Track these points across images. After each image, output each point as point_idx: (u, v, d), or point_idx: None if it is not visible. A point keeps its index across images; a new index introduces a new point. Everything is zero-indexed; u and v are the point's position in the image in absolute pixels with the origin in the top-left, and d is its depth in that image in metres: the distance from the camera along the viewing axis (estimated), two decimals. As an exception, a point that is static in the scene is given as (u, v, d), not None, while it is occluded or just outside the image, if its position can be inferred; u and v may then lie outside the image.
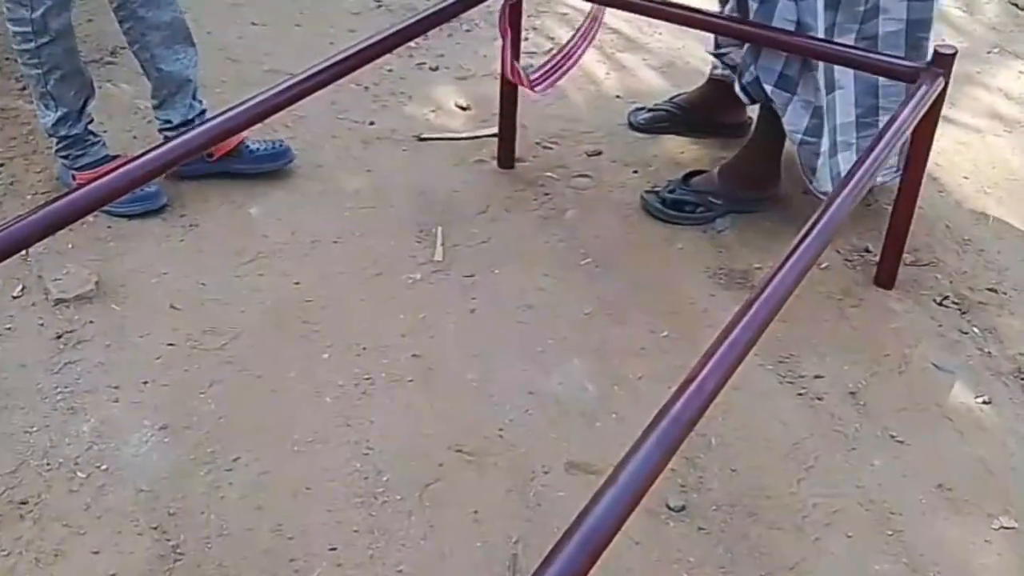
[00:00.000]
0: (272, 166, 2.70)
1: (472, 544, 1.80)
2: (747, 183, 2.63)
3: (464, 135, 2.96)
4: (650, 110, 3.01)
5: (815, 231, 1.69)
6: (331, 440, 1.98)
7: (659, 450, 1.29)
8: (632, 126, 3.00)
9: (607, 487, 1.23)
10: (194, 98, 2.61)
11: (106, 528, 1.79)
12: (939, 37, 2.50)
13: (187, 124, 2.56)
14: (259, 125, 2.10)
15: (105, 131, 2.86)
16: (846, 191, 1.80)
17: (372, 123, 2.99)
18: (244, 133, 2.50)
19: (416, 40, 3.44)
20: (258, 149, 2.69)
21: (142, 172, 1.75)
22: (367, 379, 2.12)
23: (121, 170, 1.71)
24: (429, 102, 3.12)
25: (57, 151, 2.55)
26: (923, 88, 2.10)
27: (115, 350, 2.16)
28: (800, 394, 2.12)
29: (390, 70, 3.25)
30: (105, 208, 2.25)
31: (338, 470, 1.92)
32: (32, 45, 2.37)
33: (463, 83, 3.24)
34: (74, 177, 2.53)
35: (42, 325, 2.21)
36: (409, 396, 2.09)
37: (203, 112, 2.62)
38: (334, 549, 1.77)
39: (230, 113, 1.89)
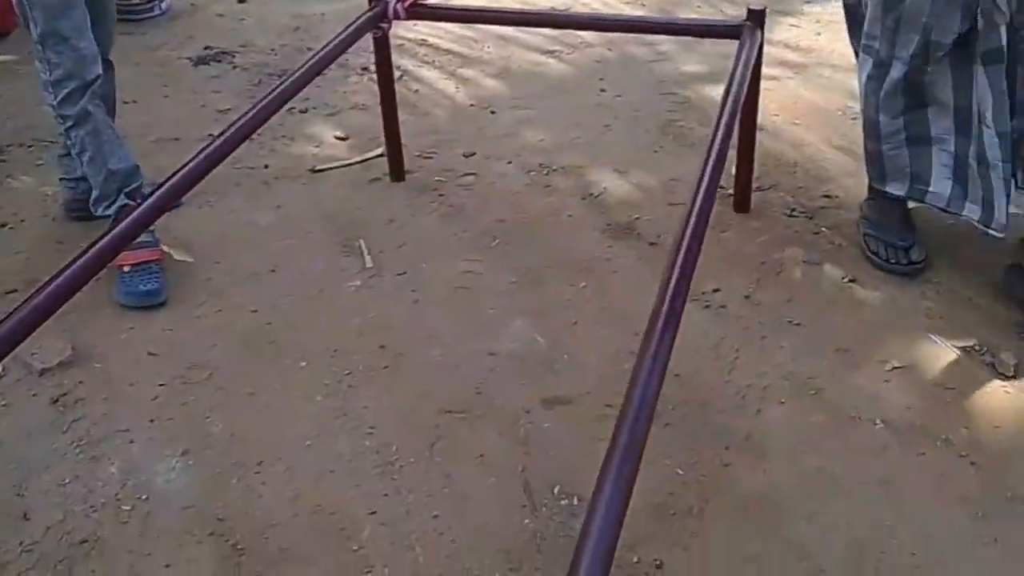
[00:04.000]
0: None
1: (487, 481, 1.98)
2: None
3: (353, 160, 3.12)
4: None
5: (702, 190, 1.81)
6: (335, 430, 2.12)
7: (650, 389, 1.40)
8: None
9: (623, 419, 1.30)
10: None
11: (167, 544, 1.88)
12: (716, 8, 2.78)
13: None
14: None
15: (23, 221, 2.89)
16: (720, 137, 2.02)
17: (267, 166, 3.11)
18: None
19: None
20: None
21: (97, 259, 1.76)
22: (348, 374, 2.27)
23: (79, 262, 1.71)
24: (311, 139, 3.27)
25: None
26: (747, 41, 2.41)
27: (112, 401, 2.23)
28: (706, 306, 2.40)
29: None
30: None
31: (351, 452, 2.06)
32: (62, 128, 2.54)
33: (334, 118, 3.40)
34: None
35: (35, 395, 2.25)
36: (389, 380, 2.25)
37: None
38: (373, 513, 1.92)
39: (168, 184, 1.96)
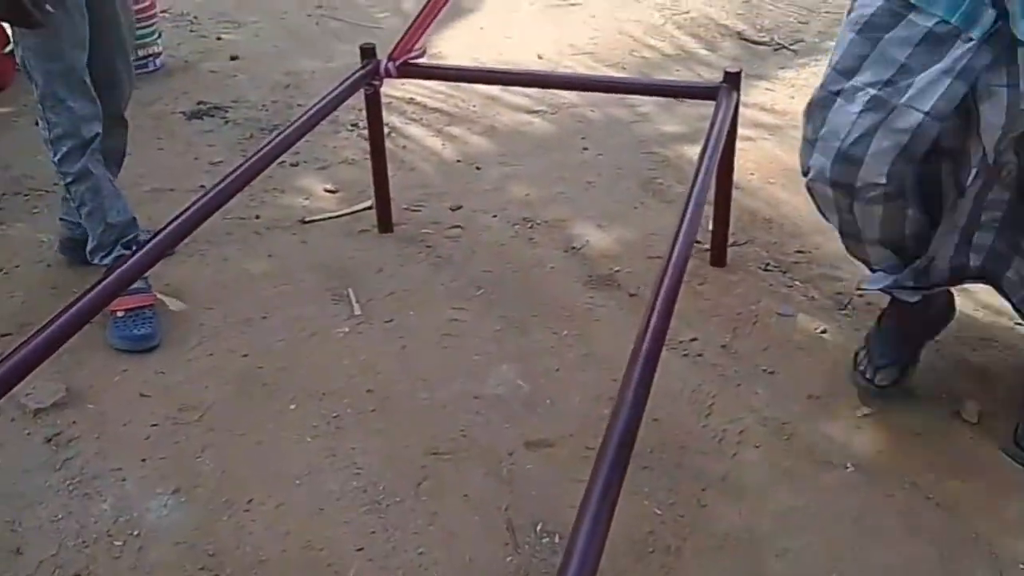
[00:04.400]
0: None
1: (471, 519, 2.03)
2: None
3: (342, 212, 3.21)
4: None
5: (679, 244, 1.86)
6: (325, 469, 2.17)
7: (628, 430, 1.47)
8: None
9: (601, 459, 1.35)
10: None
11: (159, 579, 1.92)
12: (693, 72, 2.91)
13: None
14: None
15: (17, 267, 2.95)
16: (696, 192, 2.10)
17: (258, 216, 3.19)
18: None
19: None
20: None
21: (92, 305, 1.80)
22: (335, 417, 2.33)
23: (75, 307, 1.76)
24: (300, 192, 3.35)
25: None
26: (724, 103, 2.52)
27: (105, 441, 2.27)
28: (684, 355, 2.48)
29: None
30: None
31: (340, 490, 2.11)
32: (63, 183, 2.62)
33: (324, 172, 3.48)
34: None
35: (29, 435, 2.29)
36: (376, 422, 2.31)
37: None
38: (361, 549, 1.97)
39: (162, 234, 2.03)
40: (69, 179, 2.59)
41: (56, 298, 2.75)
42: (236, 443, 2.26)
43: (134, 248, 2.49)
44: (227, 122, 3.88)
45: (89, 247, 2.68)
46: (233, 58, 4.52)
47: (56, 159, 2.57)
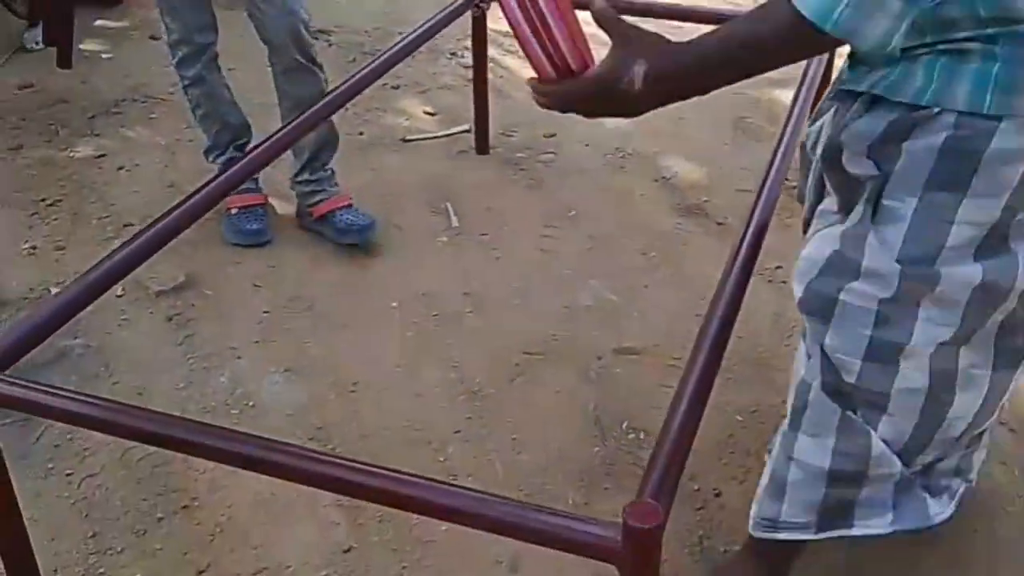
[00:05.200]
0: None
1: (562, 413, 2.16)
2: None
3: (441, 134, 3.32)
4: None
5: (770, 178, 1.90)
6: (423, 363, 2.31)
7: (718, 340, 1.54)
8: None
9: (693, 363, 1.40)
10: None
11: (272, 444, 2.07)
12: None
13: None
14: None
15: (137, 165, 3.12)
16: (790, 131, 2.17)
17: (361, 133, 3.32)
18: (344, 199, 2.73)
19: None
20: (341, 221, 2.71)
21: (206, 200, 1.90)
22: (435, 315, 2.46)
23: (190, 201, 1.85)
24: (402, 113, 3.47)
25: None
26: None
27: (221, 322, 2.43)
28: (770, 281, 2.56)
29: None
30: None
31: (438, 381, 2.25)
32: (181, 85, 2.74)
33: (424, 95, 3.60)
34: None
35: (152, 313, 2.46)
36: (473, 323, 2.44)
37: None
38: (458, 432, 2.11)
39: (271, 139, 2.12)
40: (186, 82, 2.73)
41: (172, 194, 2.91)
42: (342, 332, 2.40)
43: (246, 150, 2.64)
44: (331, 45, 4.00)
45: (205, 147, 2.83)
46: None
47: (174, 63, 2.71)
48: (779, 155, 2.03)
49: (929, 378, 1.41)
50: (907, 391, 1.42)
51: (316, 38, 3.99)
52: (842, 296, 1.40)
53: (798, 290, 1.49)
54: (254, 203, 2.77)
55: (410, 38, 2.63)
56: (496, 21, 4.16)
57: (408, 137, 3.30)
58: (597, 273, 2.61)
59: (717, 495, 1.95)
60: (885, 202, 1.32)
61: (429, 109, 3.49)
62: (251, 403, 2.19)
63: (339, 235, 2.71)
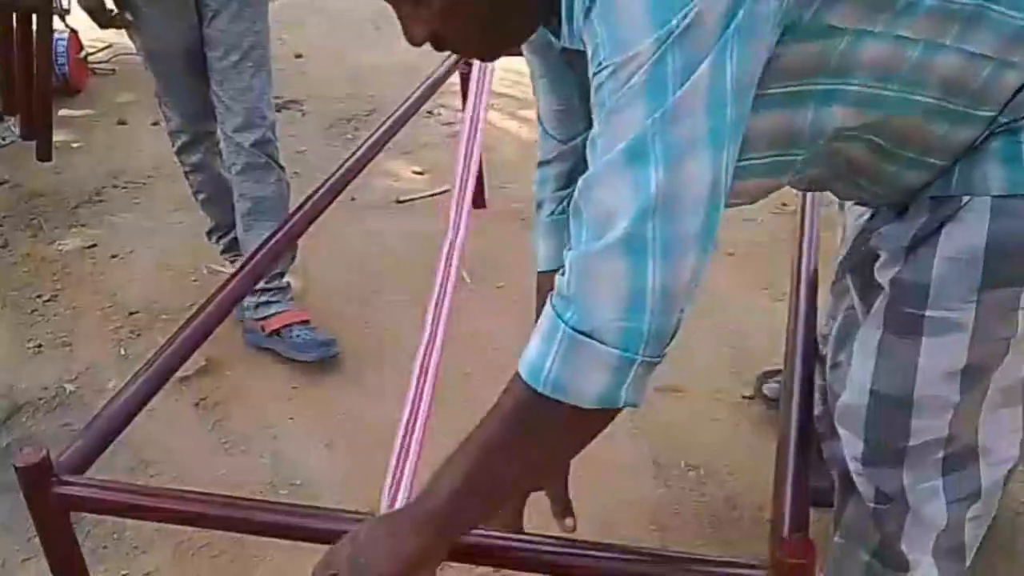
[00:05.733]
0: (310, 356, 2.50)
1: (617, 457, 2.13)
2: None
3: (434, 192, 3.31)
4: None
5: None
6: (471, 416, 2.26)
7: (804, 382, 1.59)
8: (763, 397, 2.25)
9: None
10: None
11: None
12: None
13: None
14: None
15: (131, 252, 3.06)
16: None
17: (353, 199, 3.29)
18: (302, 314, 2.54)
19: (354, 131, 3.79)
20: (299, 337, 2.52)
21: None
22: (466, 373, 2.42)
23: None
24: (390, 175, 3.45)
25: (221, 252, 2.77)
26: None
27: (250, 403, 2.37)
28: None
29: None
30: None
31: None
32: (183, 171, 2.67)
33: (409, 156, 3.59)
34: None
35: (177, 400, 2.39)
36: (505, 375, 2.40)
37: None
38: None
39: (291, 221, 2.04)
40: (187, 168, 2.67)
41: (173, 278, 2.86)
42: (380, 397, 2.34)
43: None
44: (304, 114, 3.98)
45: (207, 228, 2.77)
46: (298, 56, 4.63)
47: (174, 150, 2.65)
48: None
49: None
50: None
51: (288, 108, 4.02)
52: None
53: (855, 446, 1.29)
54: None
55: (404, 107, 2.61)
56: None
57: (401, 198, 3.28)
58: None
59: (790, 524, 1.93)
60: (930, 314, 1.14)
61: (417, 168, 3.48)
62: (298, 481, 2.13)
63: (297, 351, 2.48)
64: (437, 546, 1.04)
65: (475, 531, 1.14)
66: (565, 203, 1.36)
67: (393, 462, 2.09)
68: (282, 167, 2.60)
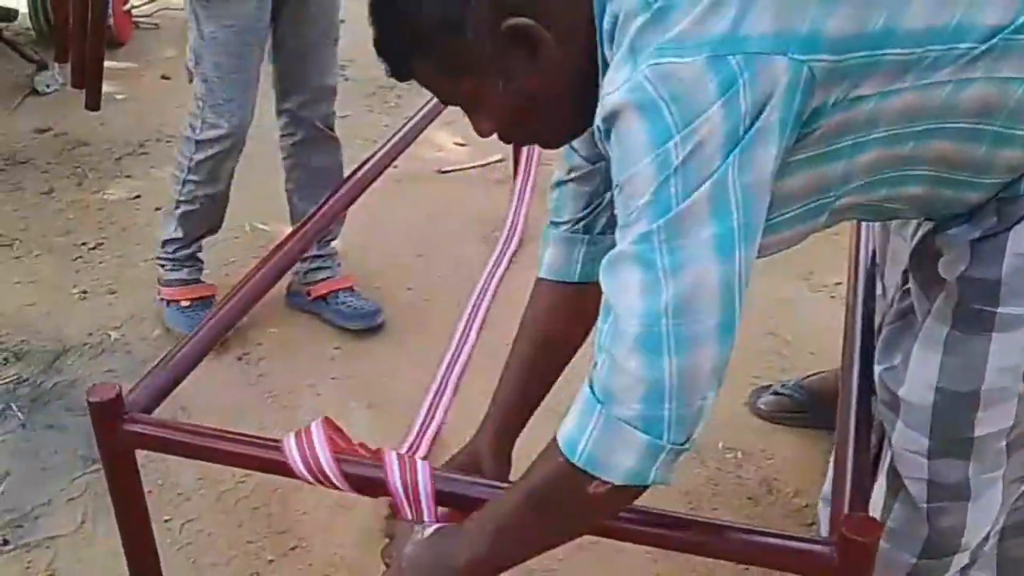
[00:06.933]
0: (356, 324, 2.49)
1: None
2: None
3: (476, 164, 3.32)
4: (775, 393, 2.23)
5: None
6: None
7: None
8: (757, 412, 2.23)
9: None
10: None
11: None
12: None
13: None
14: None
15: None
16: None
17: (396, 167, 3.30)
18: (347, 280, 2.54)
19: (396, 99, 3.80)
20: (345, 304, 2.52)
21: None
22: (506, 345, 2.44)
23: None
24: (433, 145, 3.47)
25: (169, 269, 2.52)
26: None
27: (293, 359, 2.40)
28: (832, 297, 2.58)
29: (386, 126, 3.56)
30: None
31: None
32: (191, 179, 2.43)
33: (451, 126, 3.58)
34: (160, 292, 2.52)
35: (219, 354, 2.41)
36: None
37: None
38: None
39: (342, 190, 2.09)
40: (199, 178, 2.44)
41: (215, 236, 2.87)
42: (423, 361, 2.36)
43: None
44: (346, 79, 3.98)
45: (168, 236, 2.53)
46: (341, 21, 4.62)
47: (199, 159, 2.41)
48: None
49: None
50: None
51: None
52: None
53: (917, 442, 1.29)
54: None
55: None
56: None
57: (444, 168, 3.29)
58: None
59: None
60: (1002, 310, 1.15)
61: (459, 140, 3.49)
62: (340, 440, 2.15)
63: (343, 319, 2.48)
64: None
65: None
66: (583, 223, 1.37)
67: (419, 421, 2.12)
68: (337, 138, 2.56)
